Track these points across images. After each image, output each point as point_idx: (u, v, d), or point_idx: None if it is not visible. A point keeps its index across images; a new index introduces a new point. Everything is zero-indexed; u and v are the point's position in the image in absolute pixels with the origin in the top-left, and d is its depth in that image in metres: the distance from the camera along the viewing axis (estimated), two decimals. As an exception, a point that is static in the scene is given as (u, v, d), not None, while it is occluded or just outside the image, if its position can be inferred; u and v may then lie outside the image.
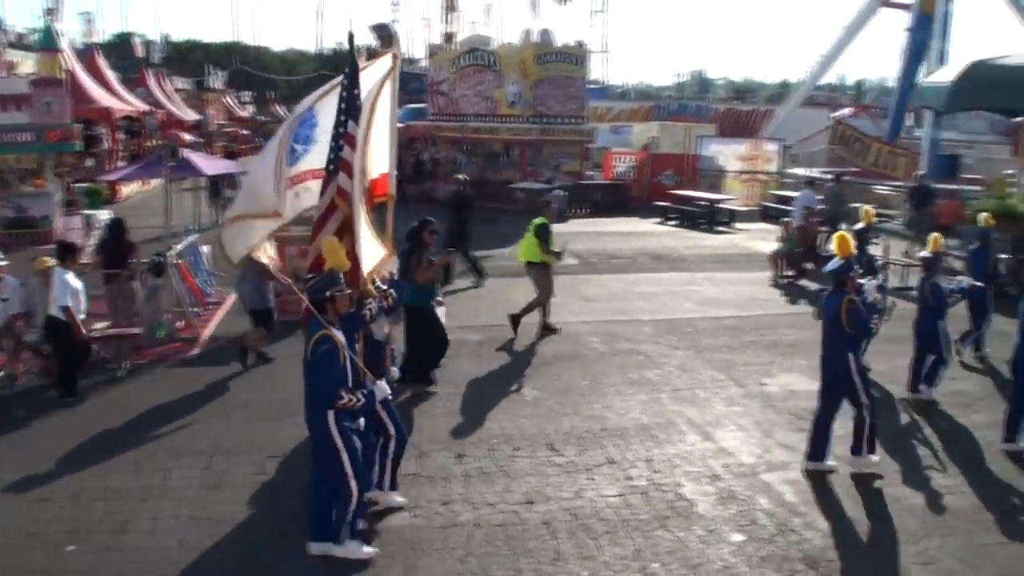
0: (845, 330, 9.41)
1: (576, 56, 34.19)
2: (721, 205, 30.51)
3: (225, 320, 15.57)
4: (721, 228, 28.94)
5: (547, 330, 15.04)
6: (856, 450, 9.66)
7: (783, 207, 27.47)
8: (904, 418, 11.53)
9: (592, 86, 46.34)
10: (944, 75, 23.69)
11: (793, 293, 19.03)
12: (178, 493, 8.76)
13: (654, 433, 10.59)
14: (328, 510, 7.44)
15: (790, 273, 20.28)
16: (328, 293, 7.22)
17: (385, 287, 8.53)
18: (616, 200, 32.58)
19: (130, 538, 7.85)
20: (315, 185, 8.51)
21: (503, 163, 33.75)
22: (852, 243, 9.83)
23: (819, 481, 9.36)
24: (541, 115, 32.61)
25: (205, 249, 17.24)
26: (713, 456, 9.97)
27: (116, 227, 15.04)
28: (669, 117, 48.76)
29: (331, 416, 7.20)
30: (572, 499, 8.76)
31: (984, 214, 14.97)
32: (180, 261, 15.35)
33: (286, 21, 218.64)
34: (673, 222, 29.79)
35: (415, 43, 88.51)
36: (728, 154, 35.86)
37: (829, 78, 67.22)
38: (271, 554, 7.60)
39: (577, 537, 7.98)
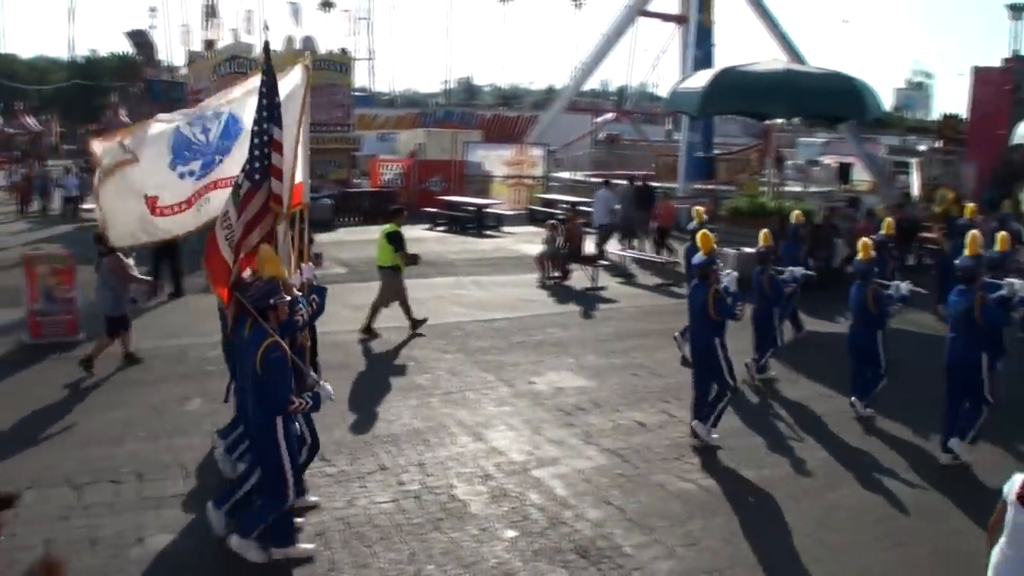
0: (712, 318, 10.30)
1: (341, 64, 34.02)
2: (489, 210, 31.00)
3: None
4: (489, 232, 29.38)
5: (416, 325, 15.73)
6: (704, 419, 10.58)
7: (549, 210, 28.17)
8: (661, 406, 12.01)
9: (358, 93, 46.20)
10: (697, 81, 24.70)
11: (560, 294, 19.54)
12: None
13: (426, 437, 10.62)
14: (260, 513, 7.54)
15: (556, 274, 20.79)
16: (272, 300, 7.37)
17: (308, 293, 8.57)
18: (384, 207, 32.32)
19: None
20: (217, 195, 8.52)
21: (269, 173, 32.94)
22: (713, 240, 10.74)
23: (588, 474, 9.65)
24: (306, 123, 32.10)
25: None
26: (484, 456, 10.10)
27: None
28: (436, 124, 49.19)
29: (279, 422, 7.33)
30: (345, 508, 8.67)
31: (796, 212, 17.08)
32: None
33: (34, 26, 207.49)
34: (442, 228, 30.05)
35: (174, 51, 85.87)
36: (495, 159, 36.48)
37: (593, 84, 69.31)
38: None
39: (351, 546, 7.91)
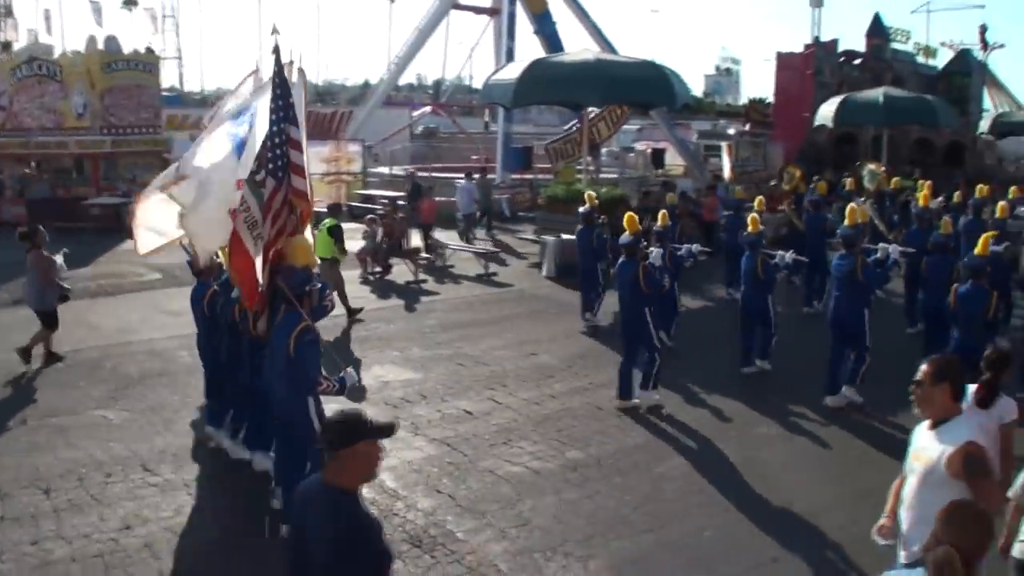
0: (643, 291, 11.48)
1: (147, 63, 32.85)
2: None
3: None
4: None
5: (353, 314, 16.58)
6: (644, 386, 11.65)
7: (369, 206, 28.06)
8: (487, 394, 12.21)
9: (167, 94, 44.87)
10: (509, 73, 24.97)
11: (382, 288, 19.53)
12: None
13: (252, 440, 10.44)
14: (289, 479, 7.72)
15: (378, 269, 20.82)
16: (307, 288, 8.02)
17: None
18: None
19: None
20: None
21: (76, 179, 31.75)
22: (638, 221, 12.10)
23: (417, 464, 9.75)
24: (112, 126, 30.97)
25: None
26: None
27: None
28: (250, 122, 48.18)
29: (311, 401, 7.86)
30: (172, 517, 8.52)
31: (589, 193, 17.92)
32: None
33: None
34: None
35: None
36: (311, 156, 35.79)
37: (409, 78, 69.26)
38: None
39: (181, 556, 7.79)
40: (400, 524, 8.31)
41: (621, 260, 11.90)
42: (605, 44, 38.35)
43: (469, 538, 8.07)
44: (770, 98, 41.56)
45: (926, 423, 5.35)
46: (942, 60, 49.56)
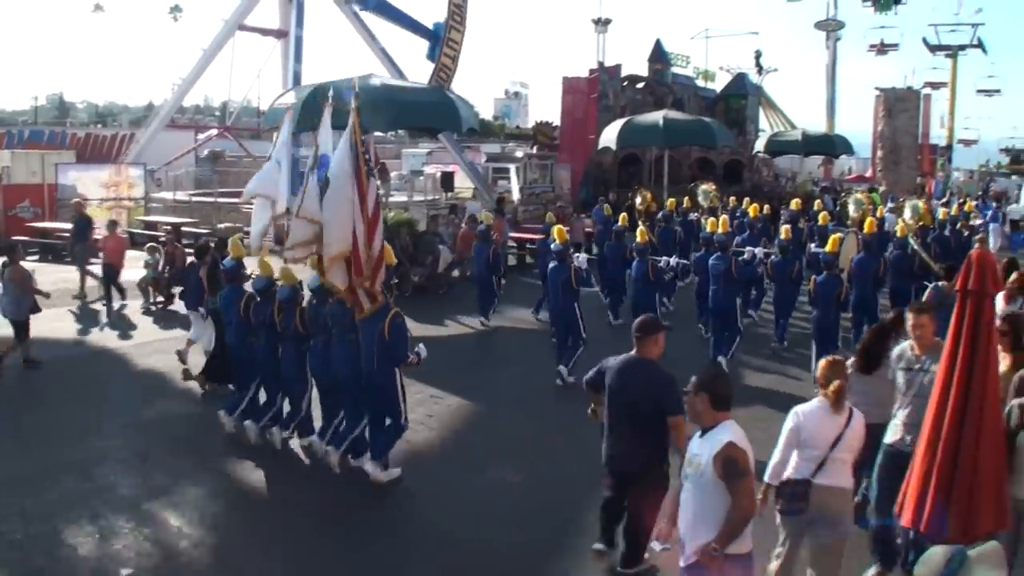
0: (573, 288, 14.22)
1: None
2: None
3: None
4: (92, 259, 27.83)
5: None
6: (565, 364, 14.04)
7: (151, 232, 27.21)
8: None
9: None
10: (291, 97, 24.64)
11: (165, 319, 18.88)
12: None
13: (29, 480, 9.96)
14: (384, 442, 10.07)
15: (160, 299, 20.10)
16: (393, 281, 10.85)
17: None
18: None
19: None
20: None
21: None
22: (567, 232, 15.54)
23: (200, 499, 9.57)
24: None
25: None
26: (94, 495, 9.63)
27: None
28: (23, 144, 46.04)
29: (397, 372, 9.86)
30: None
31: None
32: None
33: None
34: (34, 257, 28.07)
35: None
36: (90, 181, 34.39)
37: (195, 99, 67.49)
38: None
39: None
40: (187, 564, 8.15)
41: (552, 264, 14.86)
42: (393, 69, 38.46)
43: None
44: (557, 121, 42.63)
45: (698, 431, 5.69)
46: (720, 83, 52.35)
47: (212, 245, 15.01)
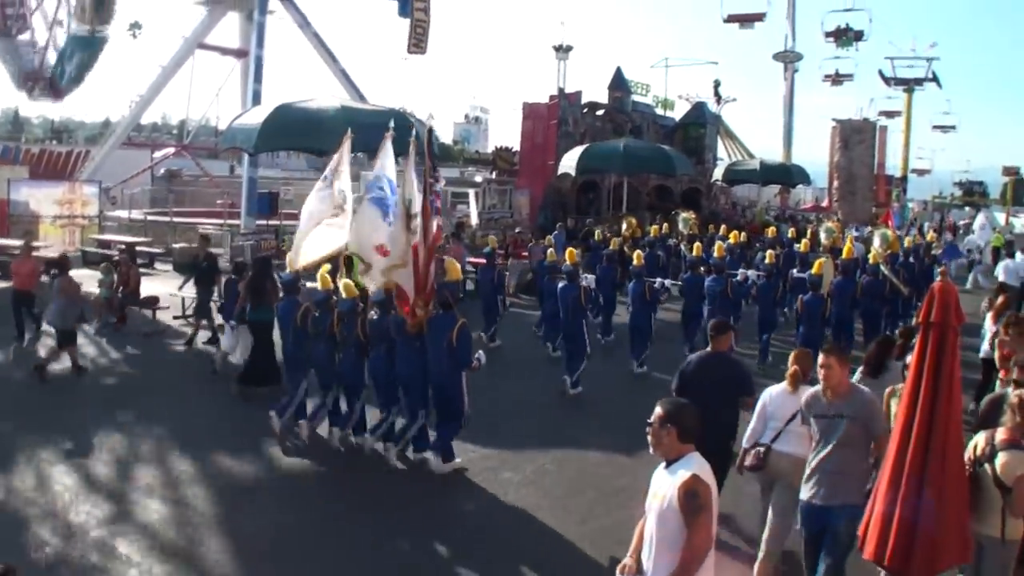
0: (582, 305, 15.36)
1: None
2: (39, 253, 28.82)
3: None
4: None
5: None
6: (571, 375, 15.01)
7: (104, 251, 26.86)
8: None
9: None
10: (253, 117, 24.42)
11: (118, 339, 18.52)
12: None
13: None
14: (447, 436, 11.08)
15: (113, 319, 19.68)
16: (458, 296, 11.69)
17: None
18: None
19: None
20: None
21: None
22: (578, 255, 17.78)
23: (151, 528, 9.28)
24: None
25: None
26: (38, 521, 9.33)
27: None
28: (-25, 160, 45.41)
29: (464, 375, 10.98)
30: None
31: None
32: None
33: None
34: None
35: None
36: (43, 198, 33.84)
37: (152, 117, 66.93)
38: None
39: None
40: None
41: (563, 284, 15.96)
42: (353, 90, 38.37)
43: None
44: (517, 146, 42.70)
45: (663, 463, 5.56)
46: (679, 112, 52.62)
47: (248, 263, 17.30)
